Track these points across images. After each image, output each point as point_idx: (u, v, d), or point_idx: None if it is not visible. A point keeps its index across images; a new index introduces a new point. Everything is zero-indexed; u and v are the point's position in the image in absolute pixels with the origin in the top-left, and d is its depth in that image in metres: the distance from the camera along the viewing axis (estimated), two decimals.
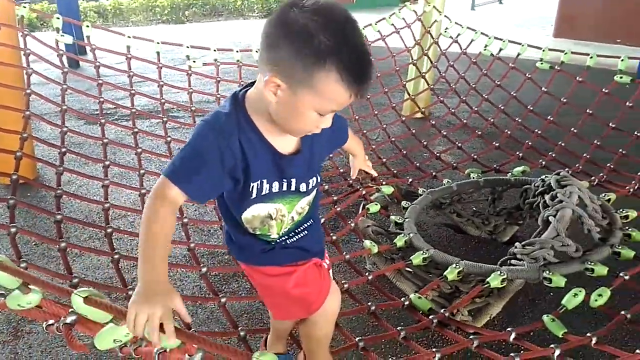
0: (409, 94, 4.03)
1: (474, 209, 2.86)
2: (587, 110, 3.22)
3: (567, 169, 2.97)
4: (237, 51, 3.32)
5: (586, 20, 8.37)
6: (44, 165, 2.64)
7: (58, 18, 2.95)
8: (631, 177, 2.82)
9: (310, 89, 1.05)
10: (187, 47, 3.19)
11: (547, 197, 2.28)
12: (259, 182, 1.21)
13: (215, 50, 3.25)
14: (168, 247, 1.11)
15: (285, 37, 1.02)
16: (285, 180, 1.25)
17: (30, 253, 2.42)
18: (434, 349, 1.65)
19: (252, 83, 1.20)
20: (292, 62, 1.02)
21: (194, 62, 3.18)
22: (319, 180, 1.35)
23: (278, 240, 1.35)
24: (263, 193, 1.23)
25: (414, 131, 3.48)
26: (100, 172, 2.59)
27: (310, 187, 1.32)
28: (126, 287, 1.81)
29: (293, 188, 1.27)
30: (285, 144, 1.23)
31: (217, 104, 3.17)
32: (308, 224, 1.40)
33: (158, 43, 3.20)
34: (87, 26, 3.10)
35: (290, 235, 1.37)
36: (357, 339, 1.71)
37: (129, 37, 3.13)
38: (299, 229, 1.39)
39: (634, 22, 7.83)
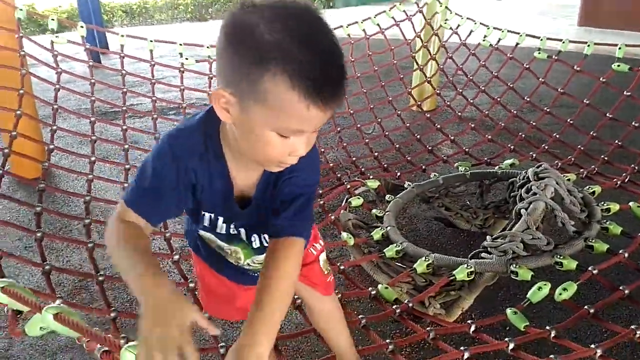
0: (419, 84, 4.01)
1: (468, 202, 2.84)
2: (584, 101, 3.14)
3: (557, 162, 2.93)
4: None
5: (609, 8, 8.10)
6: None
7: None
8: (624, 169, 2.75)
9: (258, 101, 0.81)
10: (181, 44, 3.27)
11: (522, 190, 2.26)
12: (212, 214, 1.07)
13: (208, 47, 3.32)
14: (149, 253, 0.93)
15: (226, 38, 0.83)
16: (234, 226, 1.09)
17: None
18: (387, 340, 1.68)
19: None
20: (235, 67, 0.82)
21: (187, 59, 3.26)
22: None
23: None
24: (217, 231, 1.10)
25: (408, 125, 3.46)
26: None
27: (260, 245, 1.13)
28: (98, 272, 1.90)
29: (244, 238, 1.12)
30: (247, 182, 1.03)
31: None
32: None
33: (151, 42, 3.28)
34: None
35: (254, 263, 1.21)
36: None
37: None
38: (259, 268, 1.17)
39: None
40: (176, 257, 2.06)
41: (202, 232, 1.15)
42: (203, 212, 1.06)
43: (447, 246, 2.70)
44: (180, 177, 0.96)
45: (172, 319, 0.76)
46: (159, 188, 0.96)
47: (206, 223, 1.09)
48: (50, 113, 2.71)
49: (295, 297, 1.78)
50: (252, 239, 1.13)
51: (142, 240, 0.95)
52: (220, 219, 1.07)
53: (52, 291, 1.67)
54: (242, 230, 1.10)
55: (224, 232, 1.10)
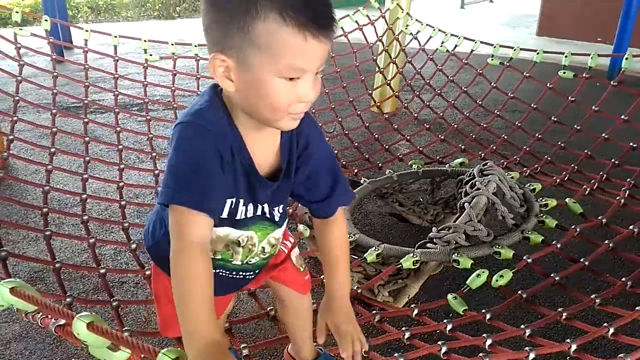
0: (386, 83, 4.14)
1: (420, 199, 2.97)
2: (532, 105, 3.33)
3: (503, 161, 3.10)
4: (195, 45, 3.44)
5: (566, 19, 8.46)
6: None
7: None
8: (565, 168, 2.94)
9: (256, 49, 0.83)
10: (145, 40, 3.32)
11: (467, 185, 2.40)
12: (233, 199, 1.01)
13: (173, 45, 3.37)
14: (210, 296, 0.89)
15: (210, 3, 0.87)
16: (258, 204, 1.06)
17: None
18: None
19: None
20: (225, 26, 0.84)
21: (151, 55, 3.31)
22: (285, 208, 1.15)
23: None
24: (238, 217, 1.04)
25: (367, 125, 3.59)
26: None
27: (281, 215, 1.14)
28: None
29: (267, 214, 1.09)
30: (267, 152, 1.03)
31: (172, 98, 3.29)
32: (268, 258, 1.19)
33: (116, 38, 3.32)
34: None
35: (249, 264, 1.16)
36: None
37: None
38: (263, 262, 1.18)
39: (611, 21, 7.92)
40: (133, 246, 2.12)
41: (215, 232, 1.04)
42: (225, 200, 1.00)
43: (400, 240, 2.83)
44: (215, 158, 0.92)
45: None
46: (209, 177, 0.90)
47: (225, 214, 1.02)
48: (11, 106, 2.72)
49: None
50: (274, 213, 1.10)
51: (204, 281, 0.89)
52: (241, 202, 1.02)
53: (7, 276, 1.71)
54: (266, 206, 1.07)
55: (243, 216, 1.05)
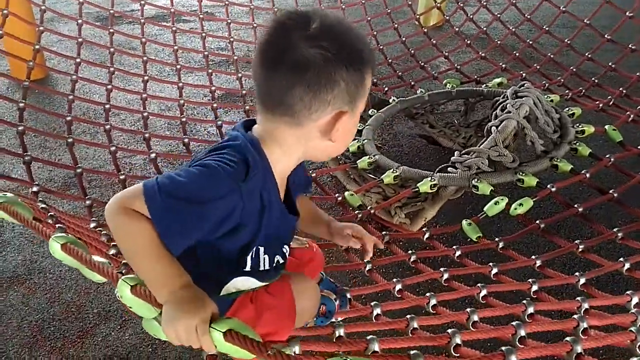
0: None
1: (455, 120, 2.85)
2: (585, 20, 3.04)
3: (544, 82, 2.90)
4: None
5: None
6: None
7: None
8: (612, 92, 2.72)
9: (365, 94, 1.01)
10: None
11: (499, 108, 2.26)
12: (259, 248, 1.05)
13: None
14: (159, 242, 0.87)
15: (337, 62, 0.93)
16: (275, 253, 1.10)
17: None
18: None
19: (248, 122, 1.05)
20: (348, 81, 0.95)
21: None
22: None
23: None
24: (261, 268, 1.07)
25: (404, 39, 3.40)
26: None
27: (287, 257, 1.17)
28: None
29: (281, 260, 1.13)
30: (282, 189, 1.08)
31: None
32: None
33: None
34: None
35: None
36: None
37: None
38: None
39: None
40: (152, 155, 2.16)
41: (234, 284, 1.07)
42: (253, 248, 1.03)
43: (428, 163, 2.77)
44: (235, 214, 0.93)
45: (194, 308, 0.82)
46: (197, 215, 0.89)
47: (248, 266, 1.05)
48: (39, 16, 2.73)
49: None
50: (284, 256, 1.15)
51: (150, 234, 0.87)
52: (262, 249, 1.05)
53: (31, 180, 1.78)
54: (286, 248, 1.13)
55: (267, 267, 1.08)
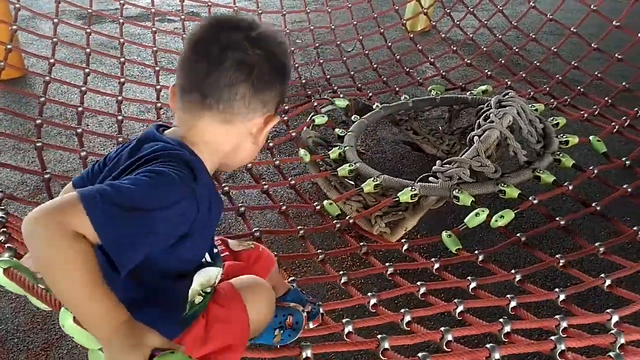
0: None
1: (440, 128, 2.81)
2: (572, 29, 3.02)
3: (529, 90, 2.87)
4: None
5: None
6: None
7: None
8: (598, 101, 2.69)
9: (279, 107, 1.03)
10: None
11: (481, 118, 2.23)
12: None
13: None
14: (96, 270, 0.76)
15: (274, 69, 0.96)
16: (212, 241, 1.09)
17: None
18: (319, 250, 1.73)
19: (161, 127, 1.00)
20: (280, 93, 1.00)
21: None
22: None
23: None
24: (208, 259, 1.05)
25: (389, 44, 3.36)
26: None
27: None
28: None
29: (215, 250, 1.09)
30: None
31: None
32: None
33: None
34: None
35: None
36: (254, 229, 1.78)
37: None
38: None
39: None
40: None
41: (198, 282, 1.01)
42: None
43: (411, 170, 2.72)
44: (188, 216, 0.88)
45: (133, 349, 0.74)
46: (152, 229, 0.81)
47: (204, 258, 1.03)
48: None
49: None
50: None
51: (85, 256, 0.75)
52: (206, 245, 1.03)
53: None
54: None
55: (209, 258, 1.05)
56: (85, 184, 0.93)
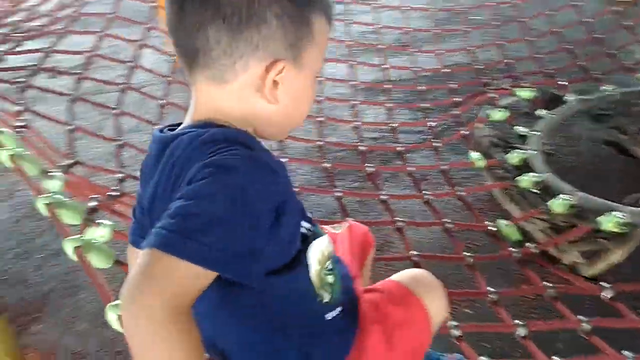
0: None
1: None
2: None
3: None
4: None
5: None
6: None
7: None
8: None
9: (313, 44, 0.79)
10: None
11: None
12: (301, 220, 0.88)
13: None
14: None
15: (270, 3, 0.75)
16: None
17: None
18: (488, 288, 1.41)
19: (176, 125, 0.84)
20: (285, 23, 0.75)
21: None
22: None
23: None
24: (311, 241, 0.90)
25: (586, 20, 2.80)
26: None
27: None
28: None
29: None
30: None
31: None
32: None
33: None
34: None
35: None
36: (410, 252, 1.51)
37: None
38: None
39: None
40: None
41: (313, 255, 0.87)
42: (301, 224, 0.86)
43: (613, 179, 2.27)
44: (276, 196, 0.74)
45: None
46: (259, 229, 0.69)
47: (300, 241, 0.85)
48: None
49: None
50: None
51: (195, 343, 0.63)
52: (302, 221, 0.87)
53: None
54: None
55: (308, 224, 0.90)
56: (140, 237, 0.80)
